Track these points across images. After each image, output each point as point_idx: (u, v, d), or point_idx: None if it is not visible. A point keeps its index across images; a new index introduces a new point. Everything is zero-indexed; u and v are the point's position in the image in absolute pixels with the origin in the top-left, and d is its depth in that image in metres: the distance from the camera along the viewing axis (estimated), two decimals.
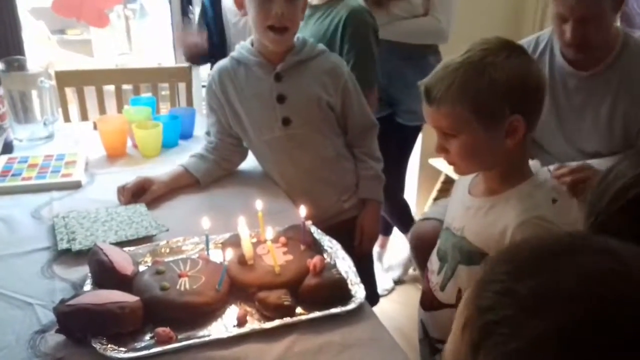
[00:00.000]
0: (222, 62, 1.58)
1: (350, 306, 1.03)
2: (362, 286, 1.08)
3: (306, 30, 1.70)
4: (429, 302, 1.25)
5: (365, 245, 1.67)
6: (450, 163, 1.13)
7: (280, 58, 1.51)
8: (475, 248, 1.12)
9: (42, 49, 4.22)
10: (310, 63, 1.53)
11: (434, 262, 1.25)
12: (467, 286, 1.13)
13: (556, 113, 1.64)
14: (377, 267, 2.38)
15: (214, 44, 2.24)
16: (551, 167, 1.48)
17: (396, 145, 2.12)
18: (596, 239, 0.52)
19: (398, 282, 2.57)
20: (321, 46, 1.56)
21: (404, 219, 2.39)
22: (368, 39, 1.72)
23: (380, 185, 1.64)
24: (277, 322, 0.99)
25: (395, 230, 2.55)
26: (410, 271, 2.60)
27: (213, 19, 2.24)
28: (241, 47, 1.55)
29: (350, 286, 1.09)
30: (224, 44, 2.24)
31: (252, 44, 1.54)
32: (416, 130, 2.25)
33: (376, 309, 1.94)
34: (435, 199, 2.90)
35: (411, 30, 2.08)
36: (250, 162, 1.69)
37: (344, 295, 1.07)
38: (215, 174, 1.59)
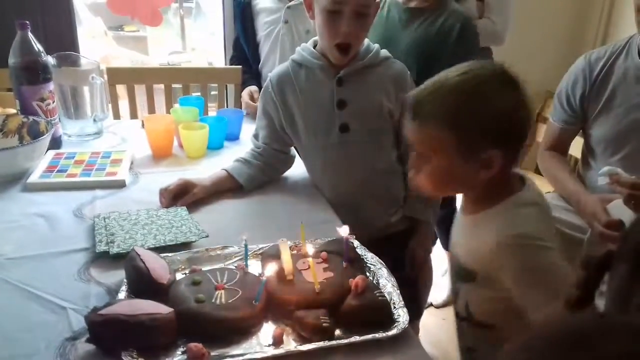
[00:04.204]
0: (282, 66, 1.55)
1: (393, 332, 0.97)
2: (405, 310, 1.02)
3: (405, 36, 1.68)
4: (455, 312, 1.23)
5: (416, 273, 1.61)
6: (416, 183, 1.08)
7: (344, 62, 1.46)
8: (464, 267, 1.10)
9: (98, 44, 4.31)
10: (374, 69, 1.48)
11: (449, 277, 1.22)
12: (471, 302, 1.13)
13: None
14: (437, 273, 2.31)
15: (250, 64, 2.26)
16: (605, 169, 1.45)
17: None
18: (619, 321, 0.49)
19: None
20: (385, 52, 1.51)
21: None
22: (478, 46, 1.73)
23: (430, 204, 1.58)
24: (314, 345, 0.94)
25: None
26: None
27: (244, 36, 2.23)
28: (302, 49, 1.51)
29: (393, 309, 1.03)
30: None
31: (314, 46, 1.50)
32: None
33: (423, 331, 1.88)
34: None
35: None
36: (295, 170, 1.65)
37: (387, 319, 1.00)
38: (259, 180, 1.55)
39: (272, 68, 1.79)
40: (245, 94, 2.15)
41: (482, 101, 0.98)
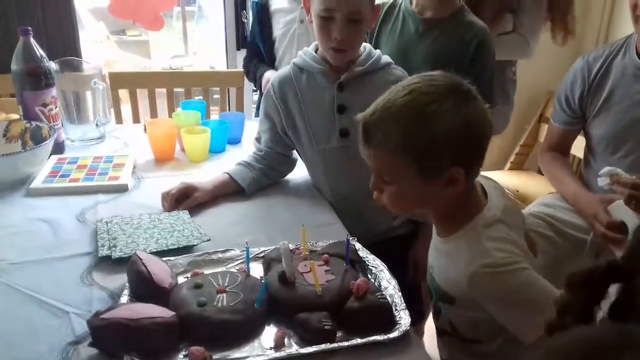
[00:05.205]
0: (283, 70, 1.55)
1: (394, 334, 0.97)
2: (407, 312, 1.02)
3: (422, 48, 1.67)
4: (436, 328, 1.22)
5: (419, 277, 1.60)
6: (380, 204, 1.06)
7: (344, 68, 1.46)
8: (442, 290, 1.08)
9: (101, 49, 4.32)
10: (375, 75, 1.48)
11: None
12: (453, 319, 1.12)
13: None
14: None
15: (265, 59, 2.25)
16: (606, 170, 1.45)
17: None
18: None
19: None
20: (387, 58, 1.51)
21: None
22: (494, 61, 1.71)
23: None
24: (315, 348, 0.94)
25: None
26: None
27: (260, 36, 2.24)
28: (304, 53, 1.51)
29: (395, 312, 1.03)
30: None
31: (315, 51, 1.50)
32: None
33: (429, 333, 1.87)
34: None
35: (500, 48, 2.02)
36: (297, 173, 1.65)
37: (388, 321, 1.00)
38: (261, 183, 1.56)
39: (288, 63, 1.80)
40: (264, 81, 2.14)
41: (431, 122, 0.93)
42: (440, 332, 1.19)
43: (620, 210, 1.48)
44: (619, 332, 0.50)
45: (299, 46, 2.11)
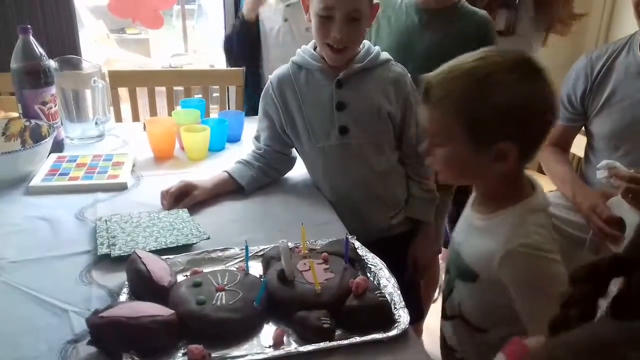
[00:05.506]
0: (282, 68, 1.55)
1: (393, 332, 0.97)
2: (406, 310, 1.02)
3: (424, 38, 1.67)
4: (443, 311, 1.22)
5: (419, 275, 1.61)
6: (434, 169, 1.08)
7: (343, 65, 1.46)
8: (467, 266, 1.08)
9: (100, 47, 4.32)
10: (373, 71, 1.48)
11: (444, 274, 1.21)
12: (464, 301, 1.11)
13: None
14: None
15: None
16: (604, 163, 1.46)
17: None
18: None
19: None
20: (385, 55, 1.51)
21: None
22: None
23: (433, 205, 1.58)
24: (314, 346, 0.94)
25: None
26: None
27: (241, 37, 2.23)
28: (303, 51, 1.51)
29: (394, 310, 1.03)
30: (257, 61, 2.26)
31: (314, 48, 1.50)
32: None
33: (428, 332, 1.87)
34: None
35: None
36: (296, 171, 1.65)
37: (387, 319, 1.00)
38: (260, 181, 1.56)
39: (273, 66, 1.82)
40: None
41: (490, 91, 0.93)
42: (447, 316, 1.19)
43: (619, 207, 1.47)
44: (624, 329, 0.50)
45: (283, 45, 2.12)
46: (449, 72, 0.98)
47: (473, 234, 1.09)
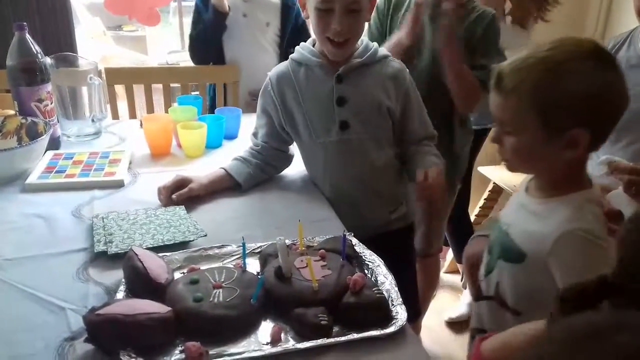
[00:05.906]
0: (281, 65, 1.55)
1: (390, 329, 0.97)
2: (404, 307, 1.02)
3: (432, 30, 1.70)
4: (476, 291, 1.21)
5: (433, 208, 1.60)
6: (503, 158, 1.08)
7: (343, 60, 1.47)
8: (515, 247, 1.07)
9: (97, 44, 4.30)
10: (372, 67, 1.49)
11: (485, 254, 1.20)
12: (504, 281, 1.10)
13: None
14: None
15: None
16: (603, 158, 1.45)
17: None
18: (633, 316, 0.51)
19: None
20: (384, 51, 1.51)
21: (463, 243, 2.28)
22: (498, 45, 1.75)
23: (442, 161, 1.52)
24: (311, 343, 0.94)
25: None
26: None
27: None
28: (302, 47, 1.52)
29: (391, 307, 1.03)
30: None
31: (313, 44, 1.50)
32: (484, 133, 2.16)
33: (427, 330, 1.87)
34: (482, 207, 2.85)
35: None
36: (293, 168, 1.65)
37: (385, 316, 1.00)
38: (258, 178, 1.56)
39: (236, 61, 1.90)
40: None
41: (564, 79, 0.94)
42: (479, 297, 1.18)
43: (619, 200, 1.47)
44: (615, 316, 0.53)
45: (244, 40, 2.20)
46: (523, 60, 0.99)
47: (525, 216, 1.08)
